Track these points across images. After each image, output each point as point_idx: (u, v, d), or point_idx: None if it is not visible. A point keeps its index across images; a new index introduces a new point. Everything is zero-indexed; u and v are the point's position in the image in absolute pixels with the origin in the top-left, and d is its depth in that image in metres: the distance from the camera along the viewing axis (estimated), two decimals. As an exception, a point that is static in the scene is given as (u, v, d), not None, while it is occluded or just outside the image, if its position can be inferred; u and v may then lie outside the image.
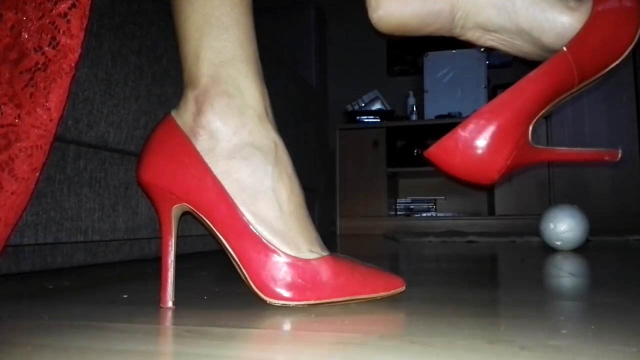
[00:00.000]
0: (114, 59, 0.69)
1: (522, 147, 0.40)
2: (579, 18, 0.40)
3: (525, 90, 0.40)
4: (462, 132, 0.40)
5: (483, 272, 0.74)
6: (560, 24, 0.40)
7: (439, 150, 0.41)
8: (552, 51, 0.41)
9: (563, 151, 0.44)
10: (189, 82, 0.43)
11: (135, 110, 0.73)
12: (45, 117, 0.43)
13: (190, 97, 0.43)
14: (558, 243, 1.10)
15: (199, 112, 0.42)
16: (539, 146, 0.42)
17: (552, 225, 1.10)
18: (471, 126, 0.40)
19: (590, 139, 2.34)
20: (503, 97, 0.40)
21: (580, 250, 1.11)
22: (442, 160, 0.41)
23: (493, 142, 0.39)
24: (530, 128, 0.41)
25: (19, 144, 0.43)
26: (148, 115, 0.76)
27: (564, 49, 0.40)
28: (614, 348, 0.28)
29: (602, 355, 0.27)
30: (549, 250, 1.13)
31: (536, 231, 1.20)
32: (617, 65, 0.41)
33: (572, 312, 0.41)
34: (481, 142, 0.40)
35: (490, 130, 0.39)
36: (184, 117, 0.43)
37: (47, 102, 0.43)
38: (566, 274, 0.67)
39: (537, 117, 0.41)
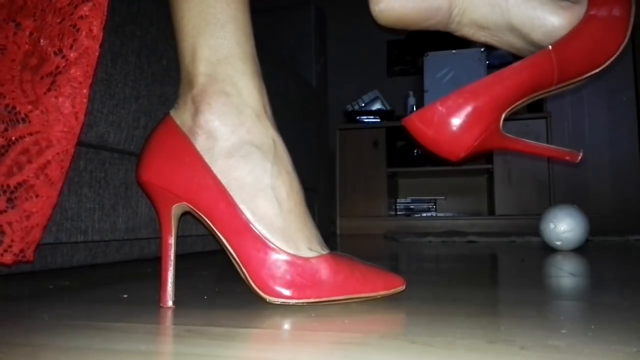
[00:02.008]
0: (114, 59, 0.69)
1: (491, 132, 0.42)
2: (570, 20, 0.41)
3: (506, 79, 0.41)
4: (440, 107, 0.41)
5: (483, 272, 0.74)
6: (550, 22, 0.41)
7: (416, 120, 0.42)
8: (541, 48, 0.42)
9: (527, 143, 0.45)
10: (186, 81, 0.43)
11: (135, 110, 0.73)
12: (72, 120, 0.44)
13: (188, 96, 0.43)
14: (558, 243, 1.10)
15: (196, 112, 0.42)
16: (507, 134, 0.44)
17: (552, 225, 1.10)
18: (449, 102, 0.41)
19: (590, 139, 2.34)
20: (485, 80, 0.42)
21: (580, 250, 1.11)
22: (417, 130, 0.42)
23: (466, 121, 0.41)
24: (503, 116, 0.42)
25: (50, 150, 0.43)
26: (148, 115, 0.76)
27: (549, 47, 0.41)
28: (614, 348, 0.28)
29: (602, 355, 0.27)
30: (549, 250, 1.13)
31: (536, 231, 1.20)
32: (596, 73, 0.42)
33: (572, 312, 0.41)
34: (455, 120, 0.41)
35: (466, 110, 0.41)
36: (182, 116, 0.43)
37: (73, 105, 0.44)
38: (566, 274, 0.67)
39: (512, 106, 0.42)
